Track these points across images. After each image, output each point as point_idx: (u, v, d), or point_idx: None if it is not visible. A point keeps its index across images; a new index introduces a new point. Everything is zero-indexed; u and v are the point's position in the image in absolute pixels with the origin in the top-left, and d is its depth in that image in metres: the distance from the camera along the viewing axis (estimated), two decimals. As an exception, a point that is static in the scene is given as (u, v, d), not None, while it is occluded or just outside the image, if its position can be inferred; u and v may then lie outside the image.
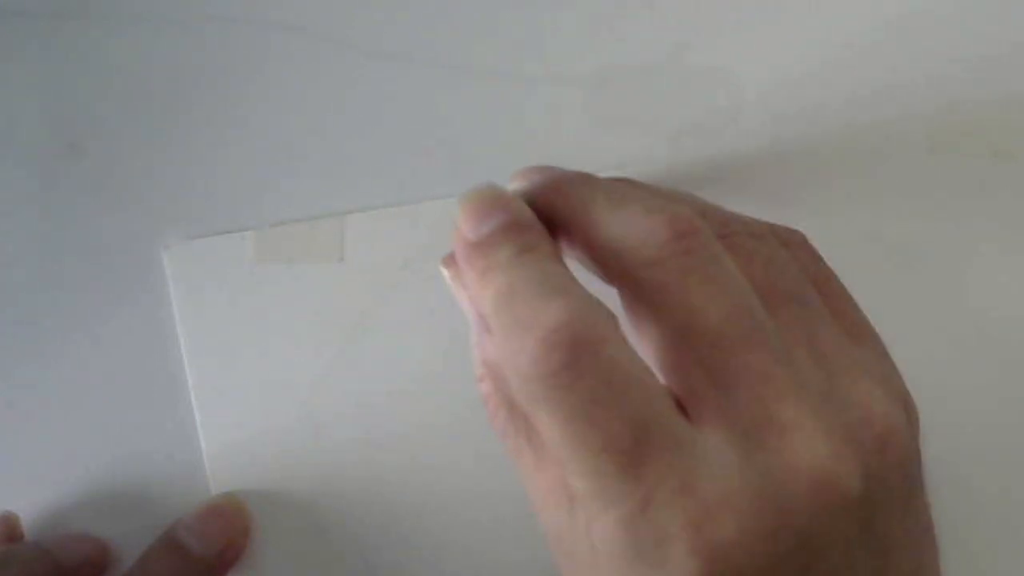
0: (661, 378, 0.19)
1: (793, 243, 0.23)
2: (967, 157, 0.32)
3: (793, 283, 0.21)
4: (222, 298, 0.32)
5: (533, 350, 0.18)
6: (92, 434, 0.32)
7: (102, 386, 0.33)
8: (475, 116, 0.33)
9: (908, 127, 0.32)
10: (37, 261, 0.33)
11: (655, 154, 0.33)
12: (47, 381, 0.33)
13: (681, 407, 0.19)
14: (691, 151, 0.32)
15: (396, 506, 0.32)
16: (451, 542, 0.32)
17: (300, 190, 0.33)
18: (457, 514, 0.32)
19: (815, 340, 0.20)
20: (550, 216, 0.21)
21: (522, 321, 0.18)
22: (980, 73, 0.32)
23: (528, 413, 0.19)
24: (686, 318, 0.19)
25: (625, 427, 0.17)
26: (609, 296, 0.21)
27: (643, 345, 0.20)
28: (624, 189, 0.22)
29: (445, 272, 0.24)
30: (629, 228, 0.20)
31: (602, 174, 0.23)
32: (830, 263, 0.24)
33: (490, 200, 0.21)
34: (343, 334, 0.32)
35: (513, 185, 0.24)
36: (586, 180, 0.22)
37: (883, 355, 0.22)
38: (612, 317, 0.19)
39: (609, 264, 0.21)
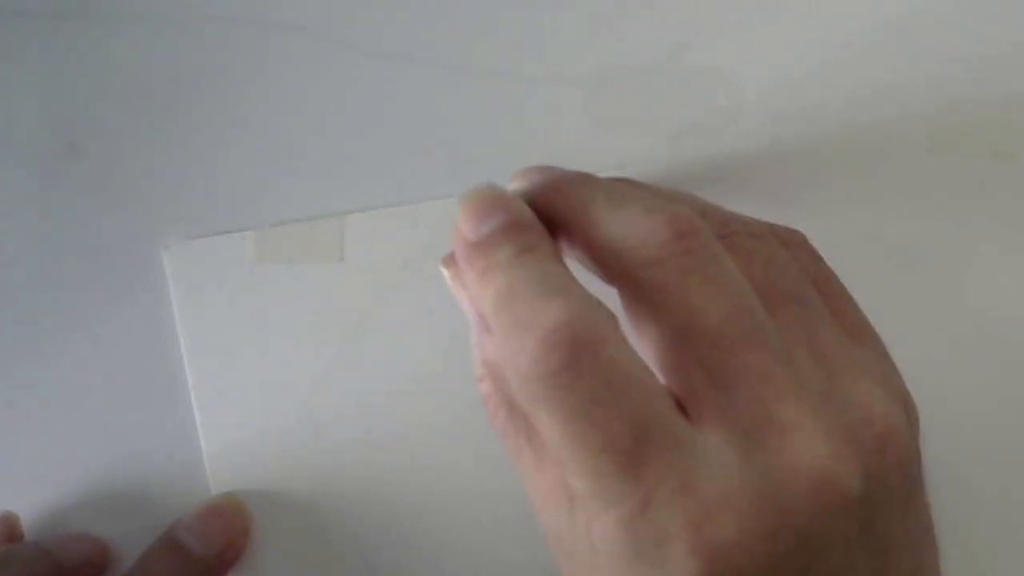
0: (661, 378, 0.19)
1: (793, 243, 0.23)
2: (967, 157, 0.32)
3: (793, 283, 0.21)
4: (222, 298, 0.32)
5: (533, 350, 0.18)
6: (92, 434, 0.32)
7: (102, 386, 0.33)
8: (475, 116, 0.33)
9: (908, 127, 0.32)
10: (37, 261, 0.33)
11: (655, 154, 0.33)
12: (47, 381, 0.33)
13: (681, 407, 0.19)
14: (691, 151, 0.32)
15: (396, 506, 0.32)
16: (451, 542, 0.32)
17: (300, 190, 0.33)
18: (457, 514, 0.32)
19: (815, 340, 0.20)
20: (550, 216, 0.21)
21: (522, 321, 0.18)
22: (980, 73, 0.32)
23: (528, 413, 0.19)
24: (686, 318, 0.19)
25: (625, 427, 0.17)
26: (610, 296, 0.21)
27: (643, 345, 0.20)
28: (624, 189, 0.22)
29: (445, 272, 0.24)
30: (629, 228, 0.20)
31: (602, 174, 0.23)
32: (830, 263, 0.24)
33: (490, 200, 0.21)
34: (343, 334, 0.32)
35: (513, 185, 0.24)
36: (586, 180, 0.22)
37: (883, 355, 0.22)
38: (612, 317, 0.19)
39: (609, 264, 0.21)
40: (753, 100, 0.33)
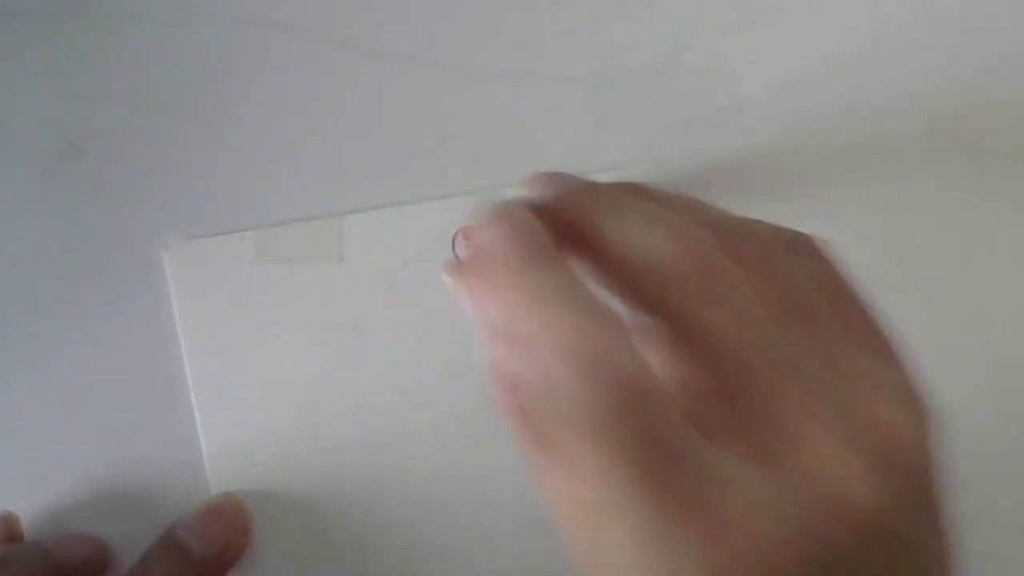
0: (674, 394, 0.19)
1: (802, 250, 0.23)
2: (967, 157, 0.32)
3: (802, 295, 0.21)
4: (222, 298, 0.32)
5: (548, 363, 0.18)
6: (92, 434, 0.32)
7: (102, 386, 0.33)
8: (475, 116, 0.33)
9: (909, 127, 0.32)
10: (37, 261, 0.33)
11: (655, 154, 0.33)
12: (47, 381, 0.33)
13: (695, 423, 0.19)
14: (691, 151, 0.32)
15: (396, 506, 0.32)
16: (450, 541, 0.32)
17: (300, 190, 0.33)
18: (456, 513, 0.32)
19: (827, 352, 0.20)
20: (559, 227, 0.21)
21: (535, 333, 0.18)
22: (980, 74, 0.32)
23: (544, 422, 0.19)
24: (699, 338, 0.19)
25: (642, 442, 0.17)
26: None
27: (654, 360, 0.20)
28: (633, 202, 0.22)
29: (447, 279, 0.24)
30: (642, 246, 0.20)
31: (602, 174, 0.23)
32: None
33: (500, 209, 0.21)
34: (343, 334, 0.32)
35: (520, 194, 0.24)
36: (597, 192, 0.22)
37: (896, 361, 0.21)
38: (627, 330, 0.19)
39: (620, 281, 0.21)
40: (753, 100, 0.33)
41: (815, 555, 0.17)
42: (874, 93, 0.32)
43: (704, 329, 0.19)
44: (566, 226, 0.21)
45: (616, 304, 0.21)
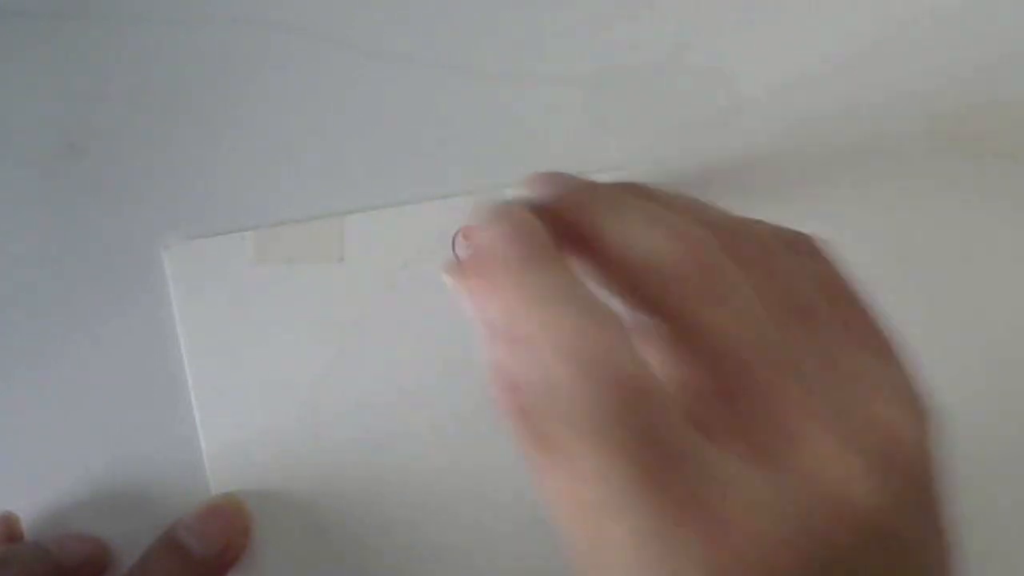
0: (674, 394, 0.19)
1: (802, 250, 0.23)
2: (967, 157, 0.32)
3: (802, 296, 0.21)
4: (222, 298, 0.32)
5: (548, 363, 0.18)
6: (92, 434, 0.32)
7: (102, 386, 0.33)
8: (475, 116, 0.33)
9: (909, 127, 0.32)
10: (37, 261, 0.33)
11: (655, 154, 0.33)
12: (47, 381, 0.33)
13: (695, 423, 0.19)
14: (691, 151, 0.32)
15: (396, 506, 0.32)
16: (450, 541, 0.32)
17: (300, 190, 0.33)
18: (456, 513, 0.32)
19: (827, 352, 0.20)
20: (559, 227, 0.21)
21: (535, 333, 0.19)
22: (980, 74, 0.32)
23: (545, 422, 0.19)
24: (699, 338, 0.19)
25: (642, 442, 0.17)
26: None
27: (653, 360, 0.20)
28: (633, 202, 0.22)
29: (447, 279, 0.24)
30: (642, 247, 0.20)
31: (602, 174, 0.23)
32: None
33: (500, 209, 0.21)
34: (343, 334, 0.32)
35: (520, 194, 0.24)
36: (597, 192, 0.22)
37: (896, 361, 0.21)
38: (627, 330, 0.19)
39: (620, 282, 0.21)
40: (753, 100, 0.33)
41: (815, 555, 0.17)
42: (874, 93, 0.32)
43: (704, 329, 0.19)
44: (566, 226, 0.21)
45: (616, 304, 0.21)
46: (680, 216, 0.21)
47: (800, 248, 0.23)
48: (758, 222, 0.23)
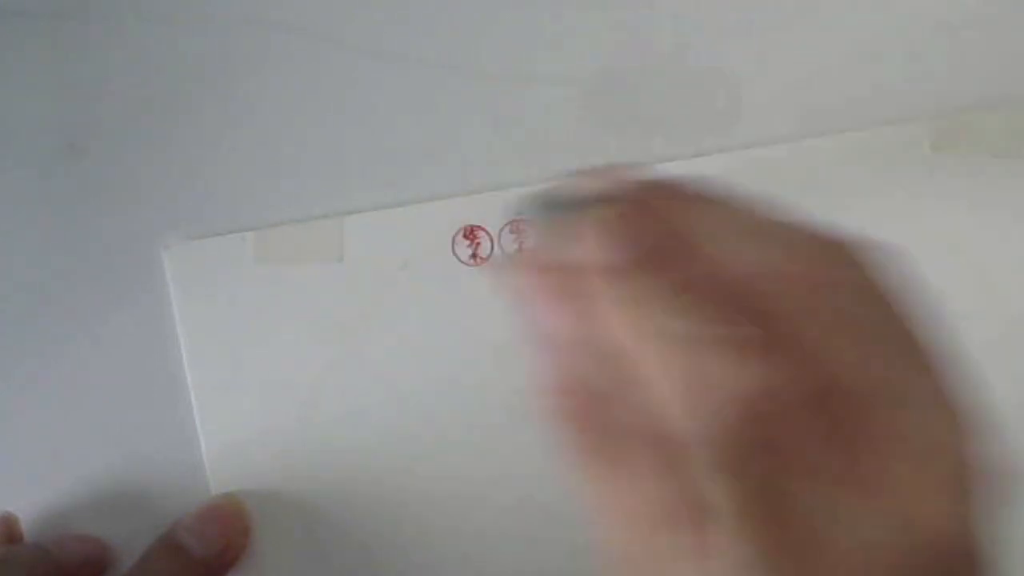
0: (774, 427, 0.19)
1: (873, 265, 0.22)
2: (968, 157, 0.32)
3: (890, 320, 0.20)
4: (222, 298, 0.32)
5: (730, 419, 0.18)
6: (92, 434, 0.32)
7: (102, 386, 0.33)
8: (475, 116, 0.33)
9: (909, 127, 0.32)
10: (37, 261, 0.33)
11: (655, 154, 0.33)
12: (47, 381, 0.33)
13: (785, 435, 0.19)
14: (691, 151, 0.32)
15: (395, 506, 0.32)
16: (450, 540, 0.32)
17: (300, 190, 0.33)
18: (456, 513, 0.32)
19: (911, 384, 0.19)
20: (636, 230, 0.20)
21: (714, 382, 0.18)
22: (980, 74, 0.32)
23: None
24: (819, 372, 0.19)
25: (790, 502, 0.18)
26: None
27: (734, 369, 0.20)
28: (723, 211, 0.21)
29: (524, 281, 0.22)
30: (761, 268, 0.20)
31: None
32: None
33: (634, 223, 0.20)
34: (343, 334, 0.32)
35: (587, 189, 0.23)
36: (677, 195, 0.21)
37: (935, 373, 0.21)
38: (798, 383, 0.18)
39: (705, 288, 0.19)
40: (753, 100, 0.33)
41: None
42: (874, 93, 0.32)
43: (806, 343, 0.19)
44: (646, 229, 0.21)
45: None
46: (810, 249, 0.20)
47: (848, 257, 0.22)
48: (827, 231, 0.23)
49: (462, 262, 0.32)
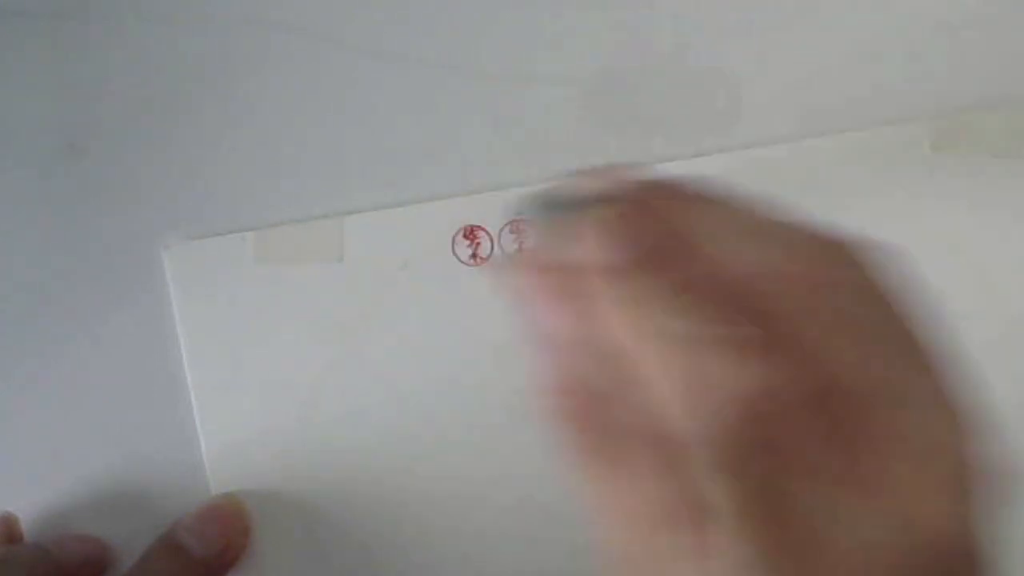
0: (775, 425, 0.19)
1: (873, 264, 0.22)
2: (968, 157, 0.32)
3: (890, 319, 0.20)
4: (222, 298, 0.32)
5: (730, 418, 0.18)
6: (92, 434, 0.32)
7: (102, 386, 0.33)
8: (475, 116, 0.33)
9: (909, 127, 0.32)
10: (37, 261, 0.33)
11: (655, 154, 0.33)
12: (47, 381, 0.33)
13: (785, 434, 0.19)
14: (691, 151, 0.32)
15: (395, 505, 0.32)
16: (450, 540, 0.32)
17: (300, 190, 0.33)
18: (457, 513, 0.32)
19: (911, 384, 0.19)
20: (635, 230, 0.20)
21: (714, 382, 0.18)
22: (980, 74, 0.32)
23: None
24: (820, 372, 0.19)
25: (790, 502, 0.18)
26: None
27: (733, 368, 0.20)
28: (723, 211, 0.21)
29: (525, 281, 0.22)
30: (761, 268, 0.19)
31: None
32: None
33: (634, 223, 0.20)
34: (343, 334, 0.32)
35: (587, 189, 0.23)
36: (677, 195, 0.21)
37: (935, 373, 0.21)
38: (799, 383, 0.18)
39: (705, 288, 0.19)
40: (753, 100, 0.33)
41: None
42: (874, 93, 0.32)
43: (807, 343, 0.19)
44: (646, 229, 0.20)
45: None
46: (778, 230, 0.20)
47: (840, 260, 0.22)
48: (826, 230, 0.23)
49: (462, 262, 0.32)
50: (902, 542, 0.18)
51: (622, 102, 0.33)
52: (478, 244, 0.32)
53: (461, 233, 0.32)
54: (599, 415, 0.21)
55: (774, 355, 0.18)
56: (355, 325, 0.32)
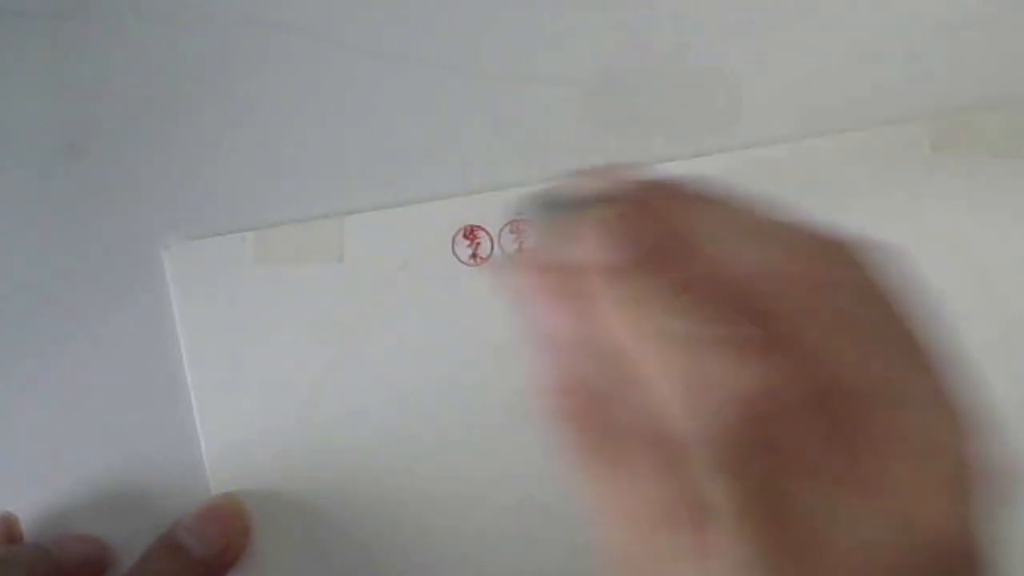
0: (774, 426, 0.19)
1: (872, 264, 0.22)
2: (968, 157, 0.32)
3: (889, 319, 0.20)
4: (222, 298, 0.32)
5: (730, 418, 0.18)
6: (92, 434, 0.32)
7: (102, 386, 0.33)
8: (475, 116, 0.33)
9: (909, 127, 0.32)
10: (37, 261, 0.33)
11: (655, 154, 0.33)
12: (47, 381, 0.33)
13: (785, 434, 0.19)
14: (691, 151, 0.32)
15: (395, 506, 0.32)
16: (450, 540, 0.32)
17: (300, 190, 0.33)
18: (457, 513, 0.32)
19: (911, 384, 0.19)
20: (635, 230, 0.20)
21: (714, 382, 0.18)
22: (979, 74, 0.32)
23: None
24: (820, 372, 0.19)
25: (784, 495, 0.17)
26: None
27: (731, 368, 0.20)
28: (723, 211, 0.21)
29: (524, 281, 0.22)
30: (761, 268, 0.19)
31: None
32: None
33: (633, 223, 0.20)
34: (343, 334, 0.32)
35: (588, 189, 0.23)
36: (677, 195, 0.21)
37: (937, 373, 0.21)
38: (799, 383, 0.18)
39: (705, 288, 0.19)
40: (753, 100, 0.33)
41: None
42: (874, 93, 0.32)
43: (824, 364, 0.18)
44: (646, 229, 0.20)
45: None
46: (808, 250, 0.20)
47: (840, 259, 0.22)
48: (825, 230, 0.23)
49: (462, 262, 0.32)
50: (902, 542, 0.18)
51: (622, 102, 0.33)
52: (478, 244, 0.32)
53: (461, 233, 0.32)
54: (599, 415, 0.21)
55: (774, 355, 0.18)
56: (355, 325, 0.32)
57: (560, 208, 0.22)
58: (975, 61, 0.32)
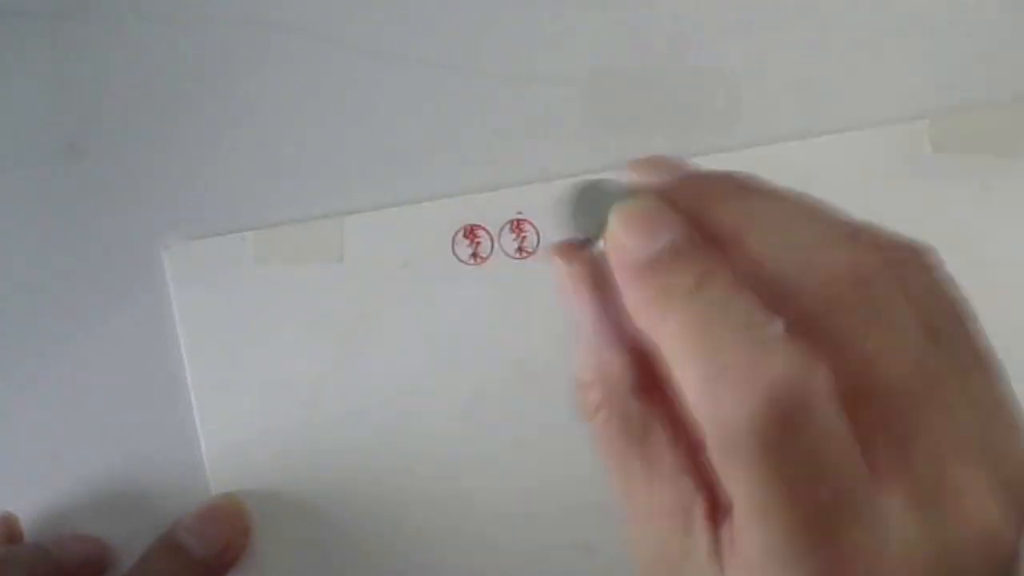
0: (791, 421, 0.19)
1: (923, 264, 0.22)
2: (968, 157, 0.32)
3: (942, 319, 0.20)
4: (222, 298, 0.32)
5: (752, 406, 0.17)
6: (92, 434, 0.32)
7: (102, 386, 0.33)
8: (475, 116, 0.33)
9: (909, 127, 0.32)
10: (37, 261, 0.33)
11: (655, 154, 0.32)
12: (47, 381, 0.33)
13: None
14: (691, 151, 0.32)
15: (396, 506, 0.32)
16: (450, 540, 0.32)
17: (300, 190, 0.33)
18: (457, 513, 0.32)
19: (966, 385, 0.19)
20: (698, 226, 0.20)
21: (737, 370, 0.18)
22: (980, 74, 0.32)
23: (720, 462, 0.19)
24: (865, 369, 0.18)
25: (824, 496, 0.17)
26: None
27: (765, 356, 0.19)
28: (781, 207, 0.21)
29: (559, 272, 0.22)
30: (803, 262, 0.19)
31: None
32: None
33: (659, 215, 0.20)
34: (343, 334, 0.32)
35: (642, 178, 0.23)
36: (743, 187, 0.21)
37: (994, 377, 0.21)
38: (829, 376, 0.18)
39: (770, 297, 0.19)
40: (753, 100, 0.33)
41: None
42: (874, 93, 0.32)
43: (873, 362, 0.18)
44: (713, 229, 0.20)
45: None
46: (851, 243, 0.20)
47: (922, 263, 0.22)
48: (892, 238, 0.22)
49: (462, 262, 0.32)
50: (949, 542, 0.17)
51: (622, 102, 0.33)
52: (478, 243, 0.32)
53: (461, 233, 0.32)
54: (626, 409, 0.21)
55: (803, 348, 0.18)
56: (355, 325, 0.32)
57: (598, 199, 0.22)
58: (975, 61, 0.32)
